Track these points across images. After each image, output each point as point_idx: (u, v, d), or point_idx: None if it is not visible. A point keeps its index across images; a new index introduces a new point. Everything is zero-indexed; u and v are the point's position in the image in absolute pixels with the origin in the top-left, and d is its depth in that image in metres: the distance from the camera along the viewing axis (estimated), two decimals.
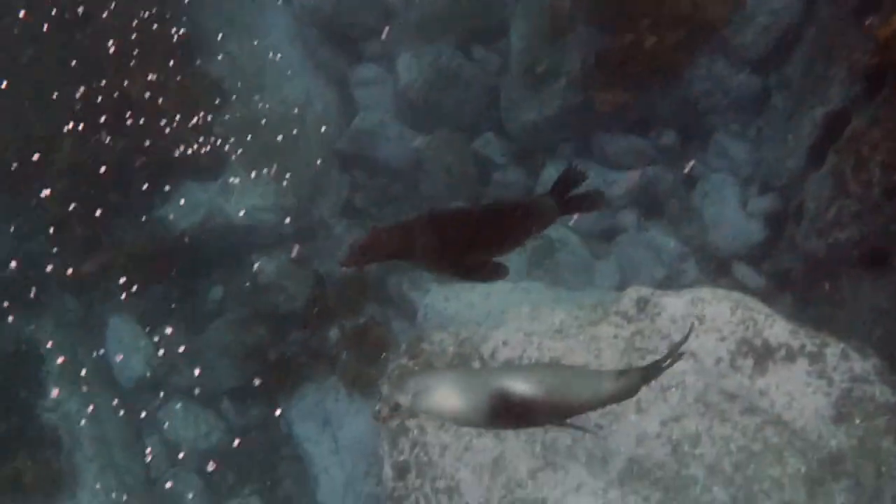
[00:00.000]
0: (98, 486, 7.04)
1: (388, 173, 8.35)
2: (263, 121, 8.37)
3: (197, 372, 7.62)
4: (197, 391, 7.63)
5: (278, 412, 7.41)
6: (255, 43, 8.69)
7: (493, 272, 3.73)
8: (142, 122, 7.96)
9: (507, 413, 3.31)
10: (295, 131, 8.41)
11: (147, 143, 7.94)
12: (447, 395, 3.32)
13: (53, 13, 7.89)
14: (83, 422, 7.44)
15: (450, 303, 6.63)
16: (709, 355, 5.18)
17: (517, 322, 5.79)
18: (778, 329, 5.20)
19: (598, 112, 7.14)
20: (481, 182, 8.06)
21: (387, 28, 8.46)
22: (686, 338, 3.80)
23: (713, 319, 5.27)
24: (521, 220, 3.79)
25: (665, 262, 6.79)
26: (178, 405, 7.65)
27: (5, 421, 7.26)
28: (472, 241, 3.63)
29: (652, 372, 3.60)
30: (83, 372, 7.71)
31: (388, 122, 8.39)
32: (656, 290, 5.51)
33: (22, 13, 7.85)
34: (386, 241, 3.49)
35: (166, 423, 7.63)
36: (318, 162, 8.37)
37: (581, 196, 3.92)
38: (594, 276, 7.10)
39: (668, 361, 3.66)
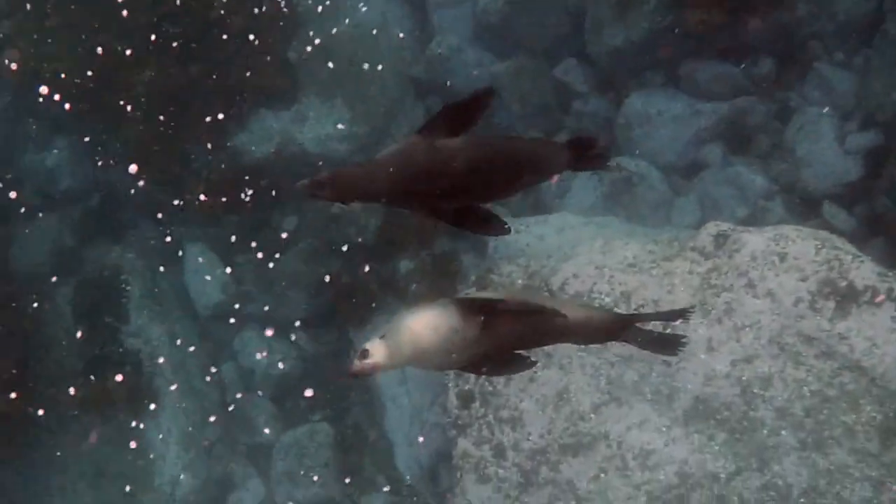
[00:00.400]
0: (177, 406, 7.82)
1: None
2: (337, 46, 8.68)
3: (270, 300, 8.22)
4: (270, 319, 8.23)
5: (349, 339, 7.95)
6: None
7: (484, 224, 3.56)
8: (216, 47, 8.41)
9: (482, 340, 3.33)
10: (369, 57, 8.68)
11: (221, 69, 8.40)
12: (418, 332, 3.29)
13: None
14: (163, 346, 8.21)
15: (520, 235, 6.89)
16: (788, 295, 5.31)
17: (588, 255, 6.04)
18: (865, 271, 5.27)
19: (689, 34, 7.13)
20: (561, 110, 8.21)
21: None
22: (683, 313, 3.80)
23: (796, 258, 5.38)
24: (523, 165, 3.59)
25: (749, 201, 6.82)
26: (252, 332, 8.29)
27: (92, 344, 8.10)
28: (456, 185, 3.41)
29: (634, 319, 3.69)
30: (163, 299, 8.46)
31: (465, 46, 8.57)
32: (737, 227, 5.64)
33: None
34: (348, 183, 3.37)
35: (240, 350, 8.29)
36: (393, 88, 8.67)
37: (593, 156, 3.79)
38: (673, 213, 7.21)
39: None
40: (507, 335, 3.48)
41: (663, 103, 7.51)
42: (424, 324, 3.34)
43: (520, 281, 6.12)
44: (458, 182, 3.44)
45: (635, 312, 3.98)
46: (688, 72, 7.44)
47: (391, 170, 3.39)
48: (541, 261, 6.22)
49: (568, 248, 6.33)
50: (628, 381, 5.53)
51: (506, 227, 3.64)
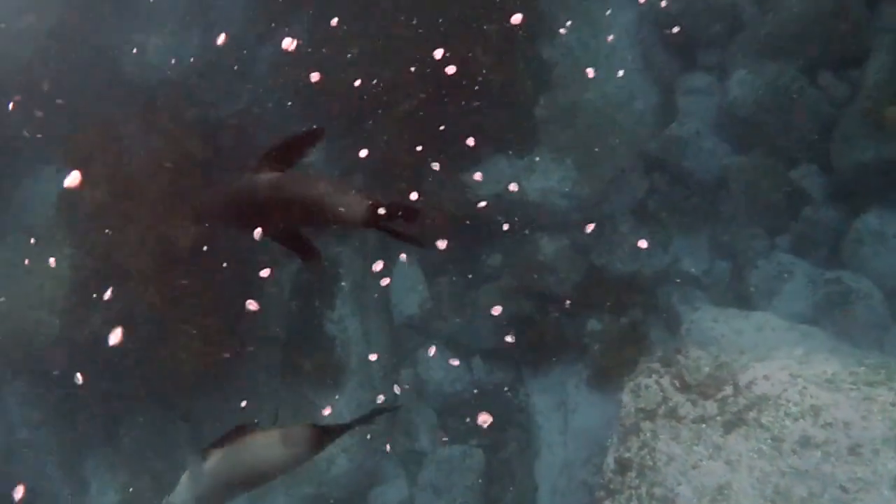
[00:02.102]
0: (353, 394, 8.22)
1: (690, 184, 8.42)
2: (582, 110, 8.88)
3: (459, 325, 8.45)
4: (454, 342, 8.48)
5: (521, 381, 7.98)
6: (594, 34, 9.22)
7: (301, 249, 4.08)
8: (472, 90, 8.89)
9: None
10: (609, 126, 8.80)
11: (471, 112, 8.84)
12: None
13: None
14: (355, 339, 8.68)
15: (718, 324, 6.62)
16: None
17: (785, 361, 5.69)
18: None
19: None
20: (789, 214, 7.82)
21: (731, 40, 8.50)
22: (388, 409, 3.93)
23: None
24: (322, 207, 3.95)
25: None
26: (435, 349, 8.54)
27: (299, 320, 8.74)
28: (264, 212, 3.90)
29: (335, 432, 4.07)
30: (367, 298, 8.97)
31: (706, 133, 8.44)
32: None
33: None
34: (204, 209, 3.93)
35: (422, 362, 8.58)
36: (623, 159, 8.70)
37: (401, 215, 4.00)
38: (887, 340, 6.59)
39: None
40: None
41: None
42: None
43: (706, 368, 5.86)
44: (265, 210, 3.93)
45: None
46: None
47: (225, 198, 3.92)
48: (732, 354, 5.94)
49: (764, 348, 6.00)
50: (796, 496, 5.09)
51: (317, 253, 4.22)
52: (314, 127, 4.25)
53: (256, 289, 8.57)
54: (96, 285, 8.04)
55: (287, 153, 4.14)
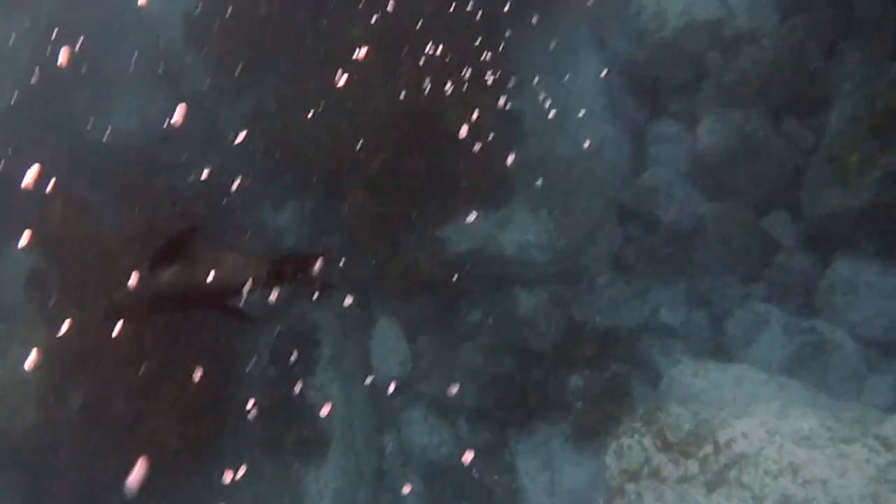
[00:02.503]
0: (338, 464, 8.22)
1: (665, 233, 8.60)
2: (555, 161, 9.03)
3: (442, 385, 8.51)
4: (438, 402, 8.51)
5: (505, 441, 8.03)
6: (564, 84, 9.45)
7: (230, 314, 4.58)
8: (445, 145, 9.03)
9: None
10: (582, 176, 8.92)
11: (446, 166, 8.98)
12: None
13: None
14: (338, 405, 8.69)
15: (697, 378, 6.74)
16: None
17: (763, 417, 5.80)
18: None
19: None
20: (763, 261, 8.00)
21: (697, 87, 8.75)
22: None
23: None
24: (223, 280, 4.41)
25: None
26: (419, 411, 8.58)
27: (278, 389, 8.73)
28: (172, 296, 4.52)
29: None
30: (348, 361, 9.01)
31: (677, 182, 8.65)
32: None
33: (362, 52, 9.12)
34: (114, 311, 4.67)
35: (406, 425, 8.60)
36: (597, 210, 8.87)
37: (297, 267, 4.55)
38: (864, 390, 6.74)
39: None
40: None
41: (874, 275, 7.14)
42: None
43: (687, 425, 5.97)
44: (164, 304, 4.59)
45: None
46: None
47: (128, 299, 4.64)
48: (712, 410, 6.05)
49: (743, 403, 6.12)
50: None
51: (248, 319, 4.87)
52: (187, 225, 4.81)
53: (234, 359, 8.62)
54: (71, 366, 8.04)
55: (173, 249, 4.73)
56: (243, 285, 4.76)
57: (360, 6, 9.20)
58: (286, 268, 4.87)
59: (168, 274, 4.72)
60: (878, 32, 7.68)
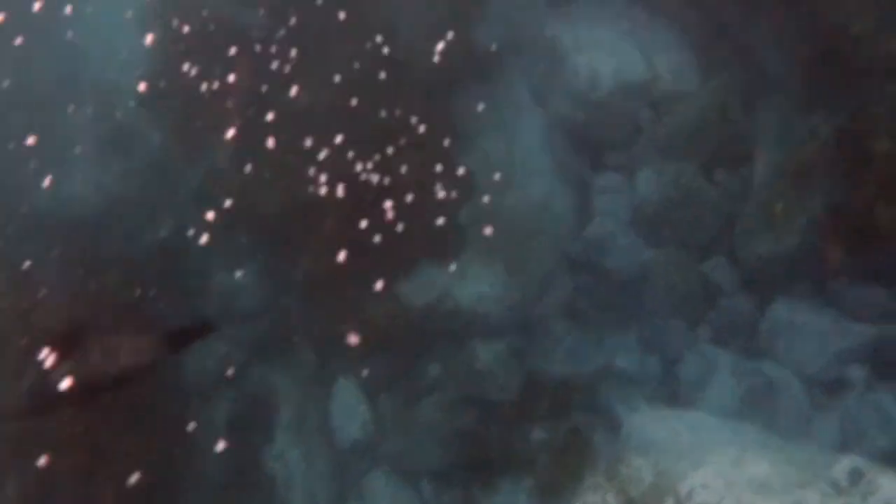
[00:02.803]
0: None
1: (614, 282, 8.96)
2: (505, 214, 9.19)
3: (404, 445, 8.58)
4: (401, 464, 8.56)
5: (472, 501, 8.19)
6: (509, 141, 9.79)
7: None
8: (396, 202, 9.23)
9: None
10: (532, 228, 9.13)
11: (399, 223, 9.17)
12: None
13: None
14: (298, 472, 8.68)
15: (656, 425, 7.06)
16: None
17: (720, 466, 6.12)
18: None
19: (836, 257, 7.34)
20: (707, 304, 8.45)
21: (633, 142, 9.24)
22: None
23: None
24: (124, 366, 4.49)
25: (891, 433, 6.73)
26: (382, 474, 8.59)
27: (235, 460, 8.58)
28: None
29: None
30: (307, 426, 9.02)
31: (621, 232, 9.07)
32: (875, 465, 5.61)
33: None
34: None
35: (368, 491, 8.59)
36: (548, 261, 9.18)
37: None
38: (813, 427, 7.18)
39: None
40: None
41: (809, 315, 7.63)
42: None
43: (648, 478, 6.28)
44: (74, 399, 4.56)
45: None
46: (835, 289, 7.57)
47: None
48: (671, 460, 6.36)
49: (700, 451, 6.43)
50: None
51: None
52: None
53: (186, 430, 8.55)
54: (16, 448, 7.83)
55: (73, 339, 4.75)
56: (147, 368, 4.75)
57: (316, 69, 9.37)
58: (181, 340, 4.95)
59: (57, 374, 4.63)
60: (788, 89, 8.27)
